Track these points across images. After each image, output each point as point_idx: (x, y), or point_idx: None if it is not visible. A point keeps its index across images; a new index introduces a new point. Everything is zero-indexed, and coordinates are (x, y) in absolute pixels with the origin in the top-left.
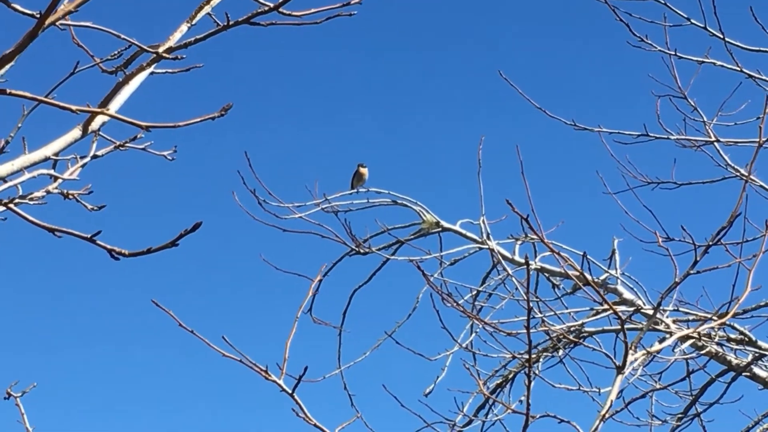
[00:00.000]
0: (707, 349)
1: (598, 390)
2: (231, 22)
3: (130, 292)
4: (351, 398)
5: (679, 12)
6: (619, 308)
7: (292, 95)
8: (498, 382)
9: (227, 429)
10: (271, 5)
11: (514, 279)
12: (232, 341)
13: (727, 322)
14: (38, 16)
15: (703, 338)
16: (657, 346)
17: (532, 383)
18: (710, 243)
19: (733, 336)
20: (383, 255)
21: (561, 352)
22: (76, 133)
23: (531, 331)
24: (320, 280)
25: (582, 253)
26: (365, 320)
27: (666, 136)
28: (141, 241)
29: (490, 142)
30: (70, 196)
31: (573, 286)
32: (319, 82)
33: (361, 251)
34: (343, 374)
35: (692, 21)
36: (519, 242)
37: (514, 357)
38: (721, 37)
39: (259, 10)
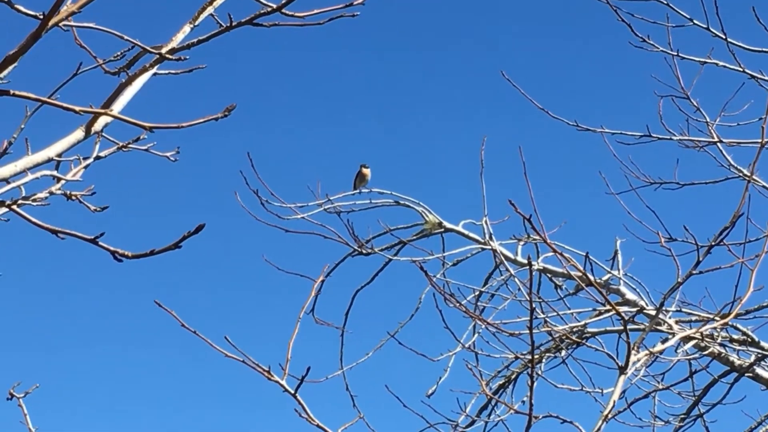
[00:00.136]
0: (710, 350)
1: (600, 390)
2: (234, 23)
3: (133, 292)
4: (353, 399)
5: (681, 12)
6: (622, 309)
7: (294, 96)
8: (500, 382)
9: (230, 429)
10: (274, 6)
11: (516, 279)
12: (235, 342)
13: (730, 323)
14: (41, 17)
15: (705, 339)
16: (659, 347)
17: (535, 384)
18: (713, 243)
19: (735, 336)
20: (386, 255)
21: (563, 352)
22: (79, 134)
23: (533, 331)
24: (323, 281)
25: (584, 254)
26: (368, 321)
27: (669, 137)
28: (143, 241)
29: (493, 142)
30: (73, 197)
31: (575, 287)
32: (321, 82)
33: (364, 252)
34: (346, 375)
35: (694, 21)
36: (521, 243)
37: (516, 357)
38: (724, 37)
39: (262, 11)
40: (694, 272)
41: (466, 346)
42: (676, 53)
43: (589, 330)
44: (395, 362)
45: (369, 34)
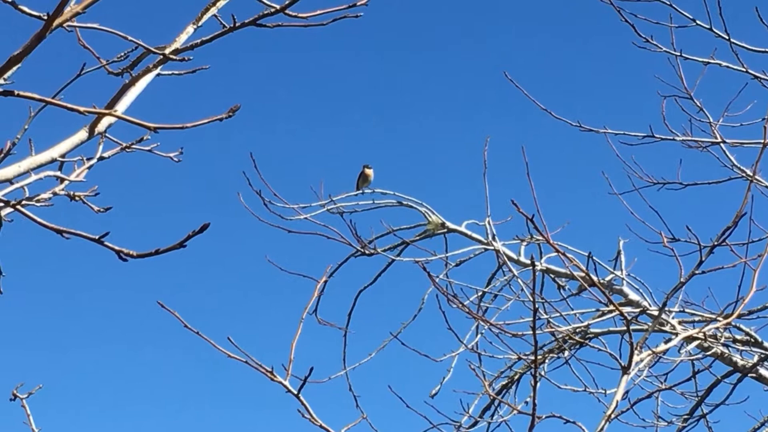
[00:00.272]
0: (713, 350)
1: (603, 391)
2: (237, 24)
3: (136, 292)
4: (356, 399)
5: (684, 13)
6: (625, 309)
7: (297, 96)
8: (503, 383)
9: (233, 430)
10: (278, 7)
11: (519, 280)
12: (238, 342)
13: (733, 323)
14: (46, 17)
15: (708, 339)
16: (662, 347)
17: (538, 384)
18: (715, 243)
19: (738, 337)
20: (388, 256)
21: (567, 353)
22: (82, 134)
23: (537, 332)
24: (325, 281)
25: (587, 254)
26: (370, 321)
27: (672, 137)
28: (146, 242)
29: (496, 143)
30: (77, 198)
31: (578, 287)
32: (324, 83)
33: (367, 252)
34: (349, 375)
35: (698, 22)
36: (524, 243)
37: (519, 358)
38: (727, 38)
39: (266, 12)
40: (696, 272)
41: (469, 346)
42: (679, 53)
43: (592, 330)
44: (398, 363)
45: (372, 35)
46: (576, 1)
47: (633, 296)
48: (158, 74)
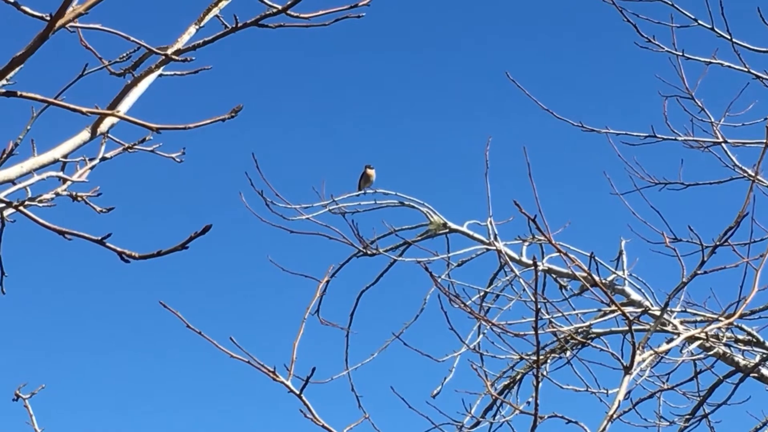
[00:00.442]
0: (715, 350)
1: (605, 391)
2: (239, 24)
3: (138, 293)
4: (358, 399)
5: (686, 13)
6: (627, 309)
7: (299, 97)
8: (505, 383)
9: (235, 430)
10: (280, 7)
11: (521, 280)
12: (240, 342)
13: (735, 323)
14: (48, 18)
15: (710, 339)
16: (664, 347)
17: (540, 384)
18: (717, 243)
19: (740, 337)
20: (390, 256)
21: (568, 353)
22: (84, 135)
23: (539, 332)
24: (327, 282)
25: (589, 254)
26: (372, 321)
27: (673, 137)
28: (148, 242)
29: (498, 143)
30: (79, 199)
31: (580, 287)
32: (326, 83)
33: (369, 252)
34: (351, 375)
35: (699, 22)
36: (526, 243)
37: (521, 358)
38: (729, 37)
39: (268, 12)
40: (698, 272)
41: (471, 346)
42: (680, 53)
43: (594, 330)
44: (400, 363)
45: (374, 35)
46: (578, 2)
47: (635, 296)
48: (160, 75)
